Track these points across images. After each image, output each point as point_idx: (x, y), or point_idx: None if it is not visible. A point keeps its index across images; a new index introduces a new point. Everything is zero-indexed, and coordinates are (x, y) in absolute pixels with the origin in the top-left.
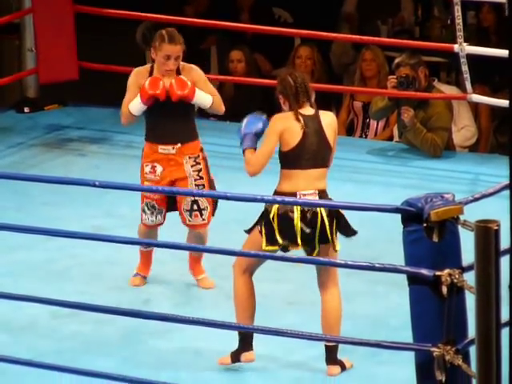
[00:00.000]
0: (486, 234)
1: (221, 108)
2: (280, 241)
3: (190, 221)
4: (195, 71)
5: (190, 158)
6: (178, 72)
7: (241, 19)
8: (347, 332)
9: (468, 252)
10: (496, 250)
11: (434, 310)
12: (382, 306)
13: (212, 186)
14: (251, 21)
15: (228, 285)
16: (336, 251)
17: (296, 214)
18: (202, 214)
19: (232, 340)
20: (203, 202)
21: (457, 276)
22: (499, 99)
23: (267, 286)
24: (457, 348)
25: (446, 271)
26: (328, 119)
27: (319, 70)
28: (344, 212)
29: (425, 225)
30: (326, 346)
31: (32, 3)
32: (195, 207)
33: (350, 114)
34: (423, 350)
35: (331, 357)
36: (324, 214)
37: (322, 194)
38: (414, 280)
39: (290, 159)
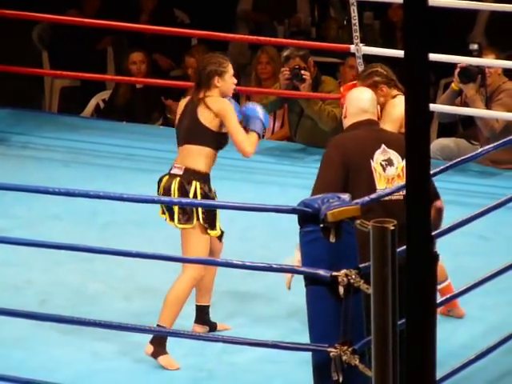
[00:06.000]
0: (383, 234)
1: None
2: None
3: None
4: None
5: None
6: None
7: (140, 20)
8: (246, 333)
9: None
10: (392, 250)
11: (331, 311)
12: (283, 307)
13: None
14: (151, 22)
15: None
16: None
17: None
18: None
19: (127, 343)
20: None
21: (353, 276)
22: None
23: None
24: (354, 348)
25: (343, 271)
26: None
27: None
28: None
29: (321, 225)
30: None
31: None
32: None
33: None
34: (320, 351)
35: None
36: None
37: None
38: (311, 280)
39: (223, 140)
